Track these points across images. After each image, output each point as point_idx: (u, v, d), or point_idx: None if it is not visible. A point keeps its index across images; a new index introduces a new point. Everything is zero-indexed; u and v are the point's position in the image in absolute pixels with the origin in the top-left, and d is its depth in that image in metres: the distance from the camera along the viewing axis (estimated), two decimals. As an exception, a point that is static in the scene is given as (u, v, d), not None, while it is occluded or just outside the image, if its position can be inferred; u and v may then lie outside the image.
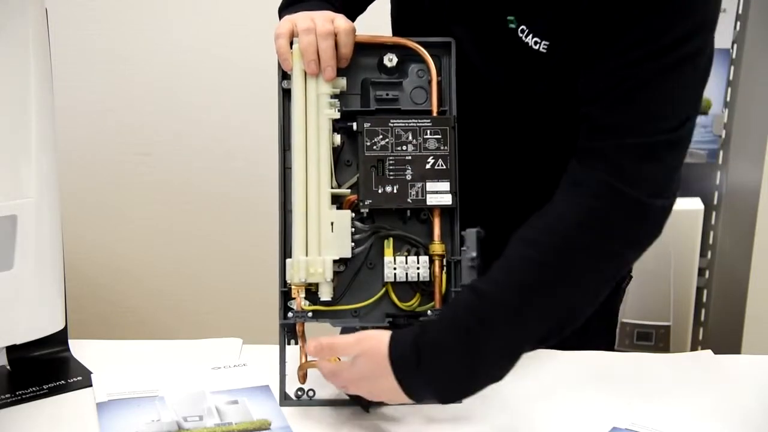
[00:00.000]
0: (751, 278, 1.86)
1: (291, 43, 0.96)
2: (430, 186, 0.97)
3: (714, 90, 1.78)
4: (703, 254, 1.85)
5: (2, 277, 0.97)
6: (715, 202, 1.85)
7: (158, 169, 2.10)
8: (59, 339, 1.08)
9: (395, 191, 0.97)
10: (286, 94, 0.98)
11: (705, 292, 1.89)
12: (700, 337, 1.91)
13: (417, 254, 0.98)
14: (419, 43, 0.99)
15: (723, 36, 1.72)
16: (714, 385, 1.04)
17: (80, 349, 1.11)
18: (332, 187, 0.97)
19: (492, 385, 0.89)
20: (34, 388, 1.02)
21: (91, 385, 1.02)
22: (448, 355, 0.87)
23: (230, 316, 2.16)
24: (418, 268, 0.97)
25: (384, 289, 0.98)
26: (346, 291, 0.98)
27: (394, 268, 0.97)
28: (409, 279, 0.97)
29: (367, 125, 0.97)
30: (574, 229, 0.89)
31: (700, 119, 1.80)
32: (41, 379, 1.04)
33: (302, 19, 0.95)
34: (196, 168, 2.09)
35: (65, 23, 1.95)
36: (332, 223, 0.96)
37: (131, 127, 2.07)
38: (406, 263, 0.97)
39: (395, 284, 0.98)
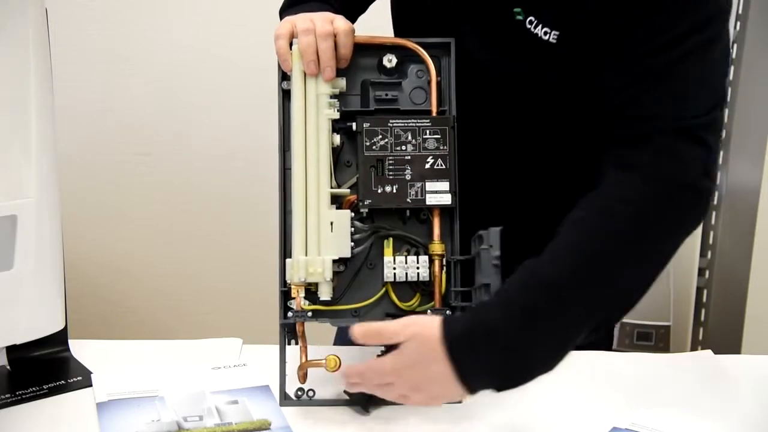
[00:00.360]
0: (751, 278, 1.85)
1: (291, 44, 0.96)
2: (430, 186, 0.97)
3: (714, 90, 1.78)
4: (703, 254, 1.85)
5: (2, 277, 0.97)
6: (715, 202, 1.85)
7: (158, 169, 2.10)
8: (59, 339, 1.08)
9: (395, 191, 0.97)
10: (285, 95, 0.98)
11: (705, 292, 1.89)
12: (700, 337, 1.91)
13: (417, 254, 0.98)
14: (418, 43, 0.99)
15: (723, 36, 1.72)
16: (714, 385, 1.04)
17: (80, 349, 1.11)
18: (332, 187, 0.97)
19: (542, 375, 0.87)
20: (34, 388, 1.02)
21: (91, 385, 1.02)
22: (506, 337, 0.84)
23: (230, 316, 2.16)
24: (417, 268, 0.97)
25: (384, 289, 0.98)
26: (346, 291, 0.98)
27: (394, 268, 0.97)
28: (409, 279, 0.97)
29: (366, 125, 0.97)
30: (631, 212, 0.88)
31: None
32: (41, 379, 1.04)
33: (302, 20, 0.95)
34: (196, 168, 2.09)
35: (65, 23, 1.95)
36: (332, 223, 0.96)
37: (131, 127, 2.07)
38: (406, 263, 0.97)
39: (395, 284, 0.98)
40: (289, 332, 1.00)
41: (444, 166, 0.97)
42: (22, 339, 1.03)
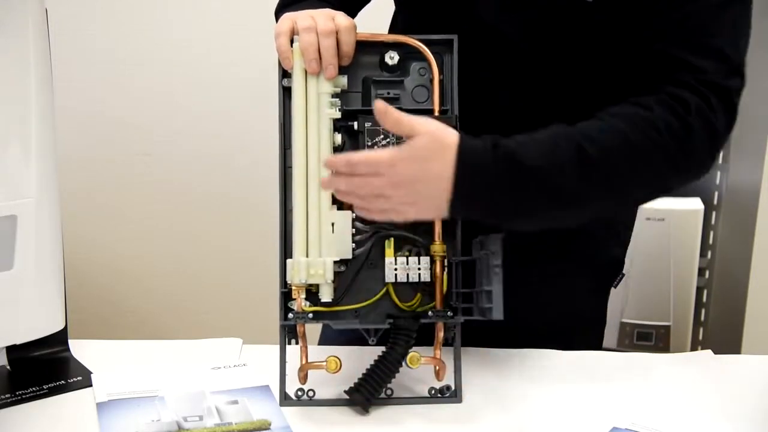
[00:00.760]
0: (751, 278, 1.86)
1: (291, 41, 0.95)
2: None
3: (714, 90, 1.78)
4: (703, 254, 1.85)
5: (2, 277, 0.97)
6: (715, 202, 1.85)
7: (158, 169, 2.10)
8: (59, 339, 1.08)
9: (396, 191, 0.96)
10: (286, 92, 0.98)
11: (705, 292, 1.89)
12: (700, 337, 1.91)
13: (418, 255, 0.98)
14: (421, 40, 0.98)
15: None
16: (714, 385, 1.04)
17: (80, 349, 1.11)
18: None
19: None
20: (34, 388, 1.02)
21: (91, 385, 1.02)
22: (518, 167, 0.86)
23: (230, 316, 2.16)
24: (419, 269, 0.97)
25: (384, 289, 0.98)
26: (347, 291, 0.98)
27: (395, 269, 0.97)
28: (410, 280, 0.97)
29: (368, 125, 0.97)
30: (663, 125, 0.91)
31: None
32: (41, 379, 1.04)
33: (303, 17, 0.94)
34: (196, 168, 2.09)
35: (65, 23, 1.95)
36: (333, 224, 0.96)
37: (131, 127, 2.07)
38: (407, 264, 0.97)
39: (396, 284, 0.98)
40: (290, 332, 1.00)
41: (445, 166, 0.97)
42: (22, 339, 1.03)
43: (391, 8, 1.16)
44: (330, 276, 0.95)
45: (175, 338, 1.15)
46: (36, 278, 1.00)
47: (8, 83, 0.95)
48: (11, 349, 1.06)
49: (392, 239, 0.98)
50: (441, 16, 1.02)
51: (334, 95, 0.96)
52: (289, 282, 0.96)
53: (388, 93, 0.98)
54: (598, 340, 1.22)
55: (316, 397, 0.98)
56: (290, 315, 0.96)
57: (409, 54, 0.99)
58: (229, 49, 2.01)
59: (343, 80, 0.97)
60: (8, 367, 1.07)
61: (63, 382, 1.03)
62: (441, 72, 0.98)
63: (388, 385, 0.97)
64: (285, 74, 0.97)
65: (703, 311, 1.90)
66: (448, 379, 0.98)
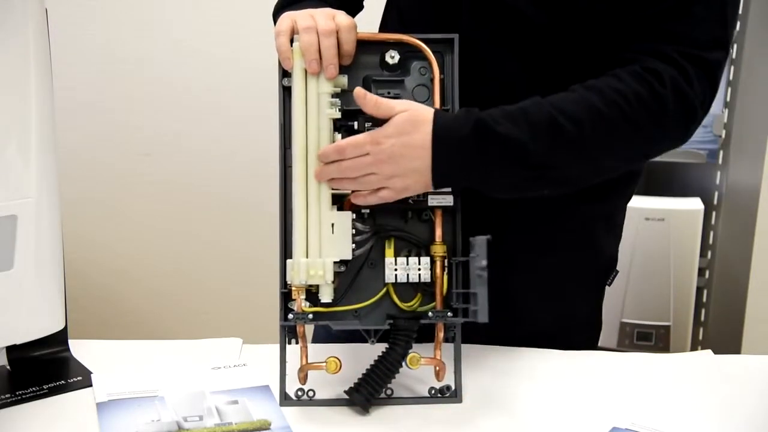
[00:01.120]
0: (751, 278, 1.86)
1: (291, 41, 0.95)
2: (432, 186, 0.96)
3: (714, 90, 1.78)
4: (703, 254, 1.85)
5: (2, 277, 0.97)
6: (715, 202, 1.86)
7: (158, 169, 2.10)
8: (59, 339, 1.08)
9: (396, 191, 0.96)
10: (286, 92, 0.97)
11: (705, 292, 1.89)
12: (700, 337, 1.91)
13: (418, 255, 0.98)
14: (421, 39, 0.98)
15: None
16: (714, 385, 1.04)
17: (80, 349, 1.11)
18: (332, 188, 0.96)
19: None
20: (34, 388, 1.02)
21: (91, 385, 1.02)
22: (492, 126, 0.90)
23: (230, 316, 2.16)
24: (419, 270, 0.97)
25: (385, 289, 0.98)
26: (347, 291, 0.98)
27: (395, 269, 0.97)
28: (410, 280, 0.97)
29: (368, 125, 0.96)
30: (633, 96, 0.93)
31: (701, 119, 1.80)
32: (41, 379, 1.04)
33: (303, 16, 0.94)
34: (196, 168, 2.10)
35: (65, 23, 1.96)
36: (333, 225, 0.95)
37: (131, 127, 2.07)
38: (407, 264, 0.97)
39: (396, 284, 0.97)
40: (290, 332, 1.00)
41: (445, 166, 0.97)
42: (22, 339, 1.03)
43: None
44: (330, 277, 0.95)
45: (175, 338, 1.15)
46: (36, 278, 1.00)
47: (8, 83, 0.95)
48: (11, 349, 1.06)
49: (392, 239, 0.98)
50: None
51: (335, 95, 0.96)
52: (289, 282, 0.96)
53: (389, 92, 0.98)
54: (594, 339, 1.22)
55: (316, 397, 0.98)
56: (290, 315, 0.96)
57: (409, 53, 0.98)
58: (229, 48, 2.01)
59: (344, 80, 0.96)
60: (8, 367, 1.07)
61: (63, 382, 1.03)
62: (442, 71, 0.98)
63: (388, 385, 0.97)
64: (285, 74, 0.97)
65: (703, 311, 1.90)
66: (448, 379, 0.98)
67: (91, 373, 1.05)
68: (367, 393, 0.95)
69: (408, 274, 0.97)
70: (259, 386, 1.01)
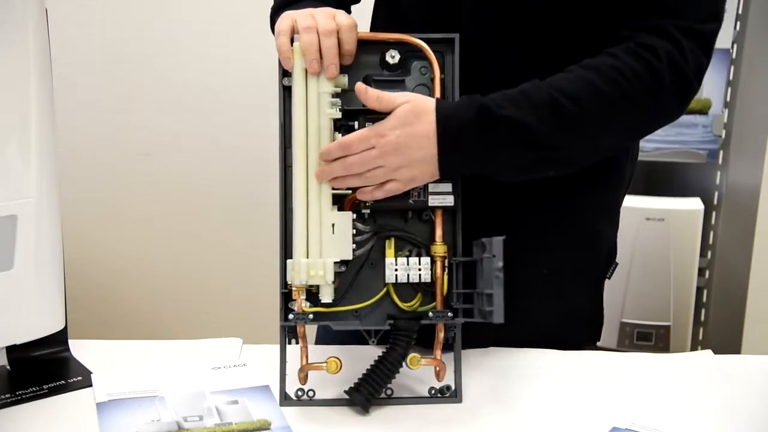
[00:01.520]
0: (751, 278, 1.86)
1: (292, 41, 0.95)
2: (432, 187, 0.96)
3: (714, 90, 1.78)
4: (703, 254, 1.85)
5: (2, 277, 0.97)
6: (715, 202, 1.86)
7: (158, 169, 2.10)
8: (59, 339, 1.08)
9: (397, 191, 0.96)
10: (286, 91, 0.97)
11: (705, 292, 1.89)
12: (700, 337, 1.91)
13: (418, 255, 0.98)
14: (422, 39, 0.98)
15: (723, 36, 1.73)
16: (714, 385, 1.04)
17: (80, 349, 1.11)
18: (333, 188, 0.96)
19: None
20: (34, 388, 1.02)
21: (91, 385, 1.02)
22: (494, 109, 0.91)
23: (230, 316, 2.16)
24: (419, 270, 0.97)
25: (385, 289, 0.98)
26: (347, 291, 0.98)
27: (396, 270, 0.97)
28: (411, 280, 0.97)
29: (369, 125, 0.96)
30: (630, 72, 0.94)
31: (700, 119, 1.81)
32: (41, 379, 1.04)
33: (303, 16, 0.94)
34: (196, 168, 2.10)
35: (65, 23, 1.96)
36: (333, 225, 0.95)
37: (131, 127, 2.07)
38: (408, 264, 0.97)
39: (396, 284, 0.97)
40: (290, 332, 1.00)
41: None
42: (22, 339, 1.03)
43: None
44: (330, 277, 0.95)
45: (175, 338, 1.15)
46: (36, 278, 1.00)
47: (8, 83, 0.95)
48: (11, 349, 1.06)
49: (393, 239, 0.98)
50: None
51: (335, 95, 0.96)
52: (289, 283, 0.96)
53: (389, 92, 0.97)
54: (596, 334, 1.21)
55: (316, 397, 0.98)
56: (290, 316, 0.96)
57: (410, 53, 0.98)
58: (229, 48, 2.01)
59: (344, 80, 0.96)
60: (8, 367, 1.07)
61: (63, 382, 1.03)
62: (442, 71, 0.98)
63: (388, 385, 0.97)
64: (285, 73, 0.97)
65: (703, 311, 1.90)
66: (448, 379, 0.98)
67: (91, 373, 1.05)
68: (368, 393, 0.95)
69: (408, 275, 0.97)
70: (259, 386, 1.01)
